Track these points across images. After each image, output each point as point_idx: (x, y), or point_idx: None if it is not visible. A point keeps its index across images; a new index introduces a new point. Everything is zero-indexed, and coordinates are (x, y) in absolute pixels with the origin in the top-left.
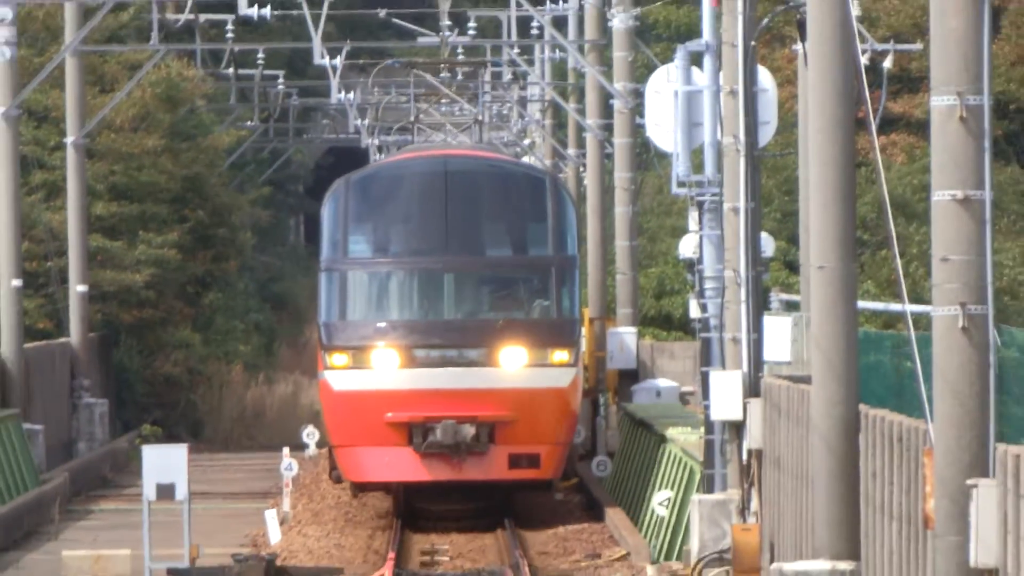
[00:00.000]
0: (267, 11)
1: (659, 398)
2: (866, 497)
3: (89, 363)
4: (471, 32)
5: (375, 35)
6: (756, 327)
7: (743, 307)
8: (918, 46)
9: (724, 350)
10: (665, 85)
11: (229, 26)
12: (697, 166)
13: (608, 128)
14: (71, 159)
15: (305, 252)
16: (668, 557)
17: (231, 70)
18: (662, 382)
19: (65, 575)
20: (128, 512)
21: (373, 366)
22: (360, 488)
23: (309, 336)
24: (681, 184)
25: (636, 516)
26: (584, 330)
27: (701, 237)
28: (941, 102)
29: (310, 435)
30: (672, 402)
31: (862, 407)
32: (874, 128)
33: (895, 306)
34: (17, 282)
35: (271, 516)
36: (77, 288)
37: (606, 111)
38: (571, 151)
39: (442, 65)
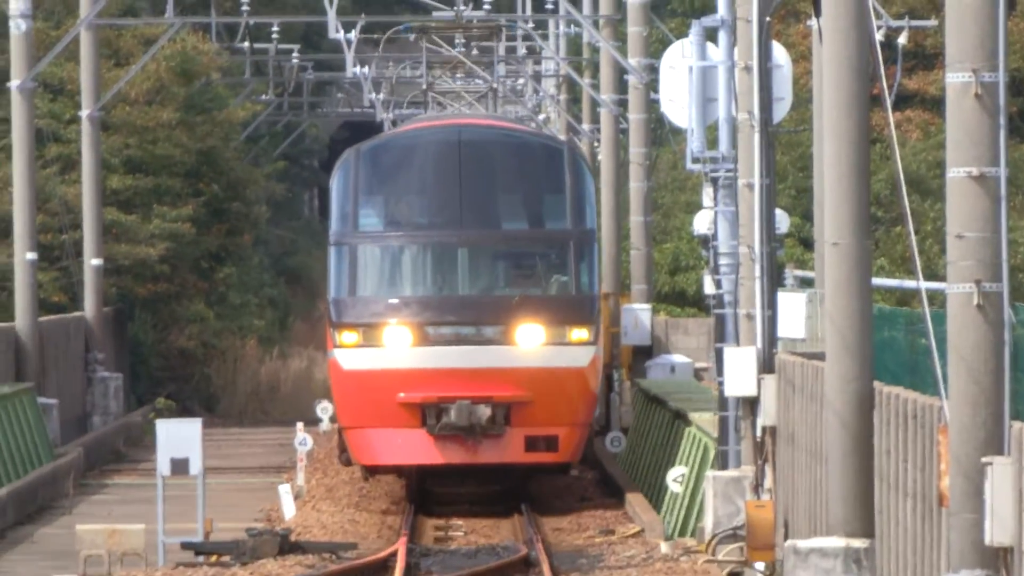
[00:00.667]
0: None
1: (673, 374)
2: (880, 474)
3: (104, 337)
4: (486, 7)
5: (390, 9)
6: (770, 303)
7: (757, 283)
8: (933, 22)
9: (738, 326)
10: (680, 60)
11: None
12: (712, 142)
13: (623, 103)
14: (86, 132)
15: (320, 226)
16: (682, 533)
17: (246, 44)
18: (676, 358)
19: (79, 549)
20: (142, 487)
21: (384, 344)
22: (371, 471)
23: (323, 311)
24: (696, 160)
25: (650, 492)
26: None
27: (716, 213)
28: (956, 79)
29: (324, 410)
30: (686, 378)
31: (876, 384)
32: (889, 104)
33: (909, 283)
34: (32, 255)
35: (285, 491)
36: (92, 262)
37: (621, 86)
38: (585, 126)
39: (457, 32)
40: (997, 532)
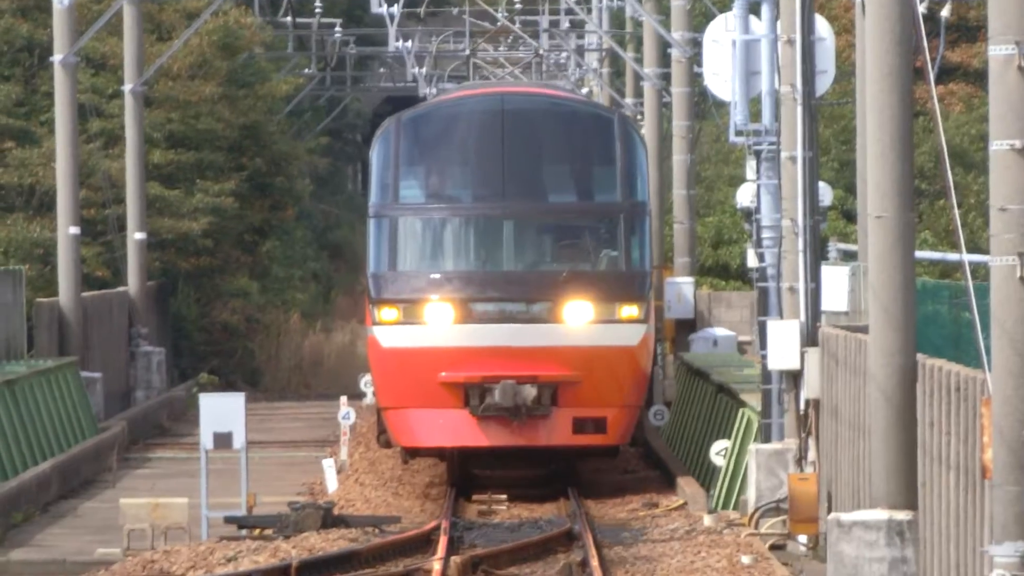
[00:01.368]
0: None
1: (716, 347)
2: (923, 447)
3: (147, 311)
4: None
5: None
6: (813, 276)
7: (800, 256)
8: None
9: (781, 300)
10: (723, 34)
11: None
12: (755, 115)
13: (666, 77)
14: (129, 107)
15: (362, 201)
16: (725, 506)
17: (288, 18)
18: (719, 331)
19: (123, 523)
20: (185, 460)
21: (426, 321)
22: (411, 454)
23: (365, 285)
24: (739, 133)
25: (693, 466)
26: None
27: (759, 186)
28: (999, 51)
29: (368, 384)
30: (729, 351)
31: (919, 357)
32: (932, 77)
33: (952, 256)
34: (75, 230)
35: (328, 465)
36: (135, 236)
37: (664, 60)
38: (628, 100)
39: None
40: None
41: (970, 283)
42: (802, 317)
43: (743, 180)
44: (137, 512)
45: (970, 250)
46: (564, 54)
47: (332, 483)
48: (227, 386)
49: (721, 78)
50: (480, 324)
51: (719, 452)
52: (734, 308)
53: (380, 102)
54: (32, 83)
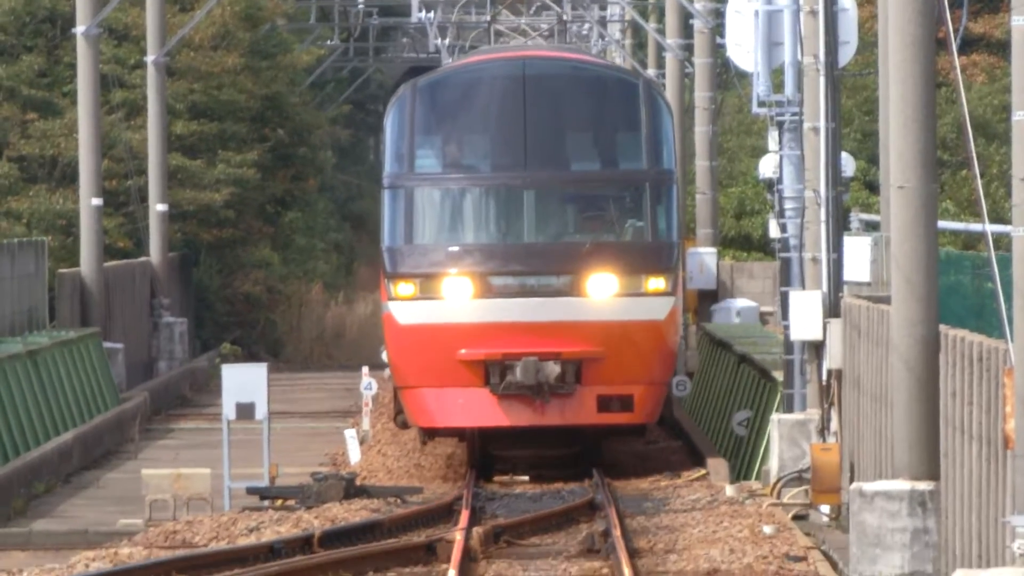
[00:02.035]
0: None
1: (738, 318)
2: (946, 417)
3: (169, 282)
4: None
5: None
6: (836, 247)
7: (823, 227)
8: None
9: (804, 270)
10: (746, 5)
11: None
12: (777, 86)
13: (688, 48)
14: (151, 78)
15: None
16: (747, 477)
17: None
18: (741, 302)
19: (145, 494)
20: (208, 431)
21: (444, 296)
22: (430, 435)
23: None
24: (761, 104)
25: (715, 436)
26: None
27: (781, 157)
28: (1022, 22)
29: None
30: (751, 322)
31: (942, 327)
32: (954, 48)
33: (975, 226)
34: (97, 201)
35: (351, 435)
36: (157, 207)
37: (686, 31)
38: (651, 71)
39: None
40: None
41: (992, 253)
42: (824, 288)
43: (765, 151)
44: (159, 483)
45: (992, 220)
46: (587, 25)
47: (354, 454)
48: (249, 357)
49: (744, 49)
50: (500, 299)
51: (741, 422)
52: (756, 279)
53: (403, 73)
54: (55, 54)
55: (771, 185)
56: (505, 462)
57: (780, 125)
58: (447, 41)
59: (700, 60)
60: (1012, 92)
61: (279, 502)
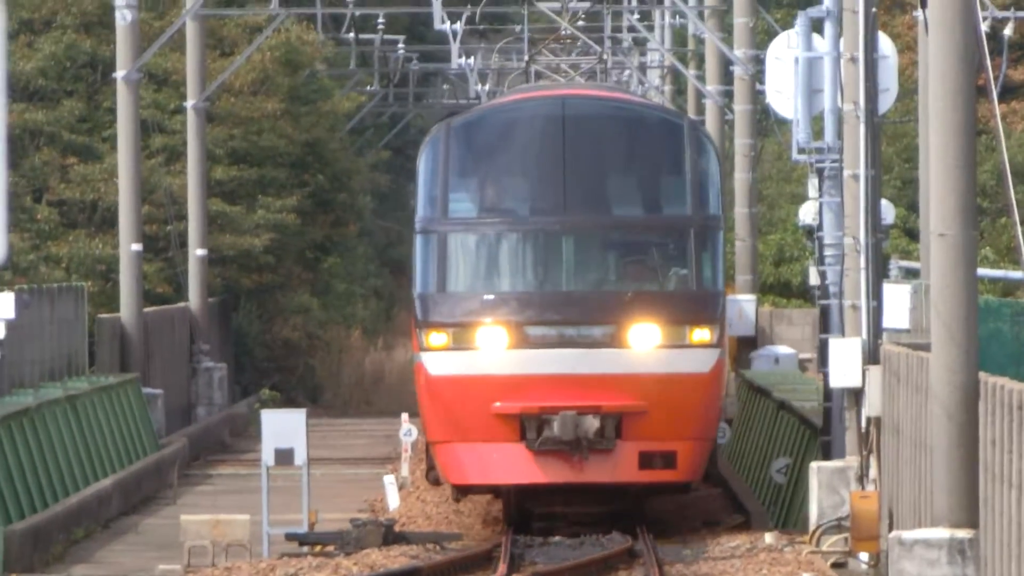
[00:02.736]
0: None
1: (777, 365)
2: (985, 465)
3: (208, 327)
4: None
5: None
6: (875, 294)
7: (862, 274)
8: None
9: (843, 317)
10: (786, 51)
11: None
12: (817, 133)
13: (728, 94)
14: (191, 123)
15: None
16: (786, 524)
17: (351, 34)
18: (780, 349)
19: (184, 540)
20: (247, 477)
21: (478, 346)
22: (463, 491)
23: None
24: (801, 151)
25: (755, 483)
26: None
27: (821, 204)
28: None
29: None
30: (791, 369)
31: (982, 375)
32: (995, 95)
33: (1015, 273)
34: (137, 246)
35: (390, 481)
36: (196, 252)
37: (726, 77)
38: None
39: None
40: None
41: None
42: (864, 335)
43: (805, 198)
44: (198, 529)
45: None
46: (627, 71)
47: (393, 500)
48: (288, 402)
49: (784, 96)
50: (537, 350)
51: (780, 469)
52: (795, 325)
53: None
54: (95, 99)
55: (811, 232)
56: (542, 519)
57: (820, 172)
58: (487, 87)
59: (740, 107)
60: None
61: (318, 548)
